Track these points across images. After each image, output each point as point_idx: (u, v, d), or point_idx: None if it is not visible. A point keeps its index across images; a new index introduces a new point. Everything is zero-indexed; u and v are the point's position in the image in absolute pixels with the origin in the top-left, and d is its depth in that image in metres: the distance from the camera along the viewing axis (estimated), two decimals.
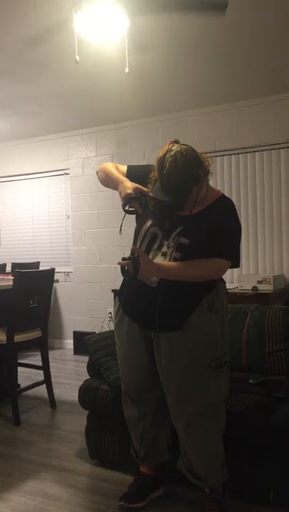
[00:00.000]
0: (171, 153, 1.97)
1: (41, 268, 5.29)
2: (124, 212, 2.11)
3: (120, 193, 2.09)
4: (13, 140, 6.25)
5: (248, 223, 4.85)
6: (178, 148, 1.99)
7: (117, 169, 2.24)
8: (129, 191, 2.05)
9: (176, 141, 2.05)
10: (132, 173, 2.24)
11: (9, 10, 2.93)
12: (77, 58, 2.84)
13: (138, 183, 2.12)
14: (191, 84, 4.38)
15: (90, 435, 2.76)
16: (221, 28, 3.23)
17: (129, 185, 2.07)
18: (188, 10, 2.80)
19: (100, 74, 3.95)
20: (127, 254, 2.16)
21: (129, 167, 2.28)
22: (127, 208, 2.05)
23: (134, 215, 2.16)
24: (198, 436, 2.12)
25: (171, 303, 2.07)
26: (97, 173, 2.32)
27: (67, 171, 6.03)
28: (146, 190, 2.08)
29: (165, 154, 1.99)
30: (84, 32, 2.81)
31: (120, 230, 2.21)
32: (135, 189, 2.05)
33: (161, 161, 1.99)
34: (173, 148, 1.99)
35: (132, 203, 2.05)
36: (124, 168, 2.28)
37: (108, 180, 2.23)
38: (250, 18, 3.12)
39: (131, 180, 2.17)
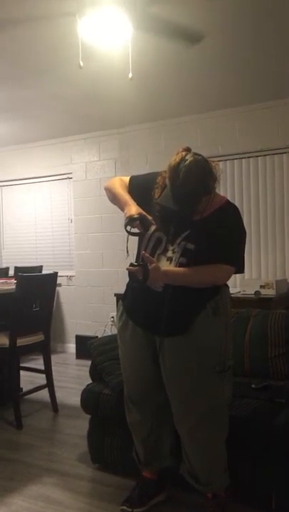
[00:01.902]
0: (186, 163, 1.96)
1: (44, 272, 5.29)
2: (127, 235, 2.10)
3: (125, 215, 2.10)
4: (17, 144, 6.27)
5: (251, 228, 4.85)
6: (192, 159, 1.97)
7: (123, 186, 2.24)
8: (133, 213, 2.06)
9: (188, 149, 2.05)
10: (134, 186, 2.25)
11: (12, 15, 2.95)
12: (81, 63, 2.86)
13: (141, 195, 2.15)
14: (194, 90, 4.39)
15: (92, 439, 2.76)
16: (223, 32, 3.25)
17: (133, 209, 2.08)
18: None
19: (103, 79, 3.96)
20: (130, 259, 2.17)
21: (131, 180, 2.29)
22: (129, 229, 2.06)
23: (137, 237, 2.17)
24: (201, 440, 2.12)
25: (177, 307, 2.08)
26: (105, 189, 2.33)
27: (70, 175, 6.04)
28: (150, 217, 2.08)
29: (179, 164, 1.97)
30: (88, 37, 2.83)
31: (127, 252, 2.19)
32: (139, 214, 2.06)
33: (175, 170, 1.97)
34: (187, 158, 1.98)
35: (133, 223, 2.06)
36: (128, 180, 2.29)
37: (115, 201, 2.25)
38: (253, 22, 3.13)
39: (133, 191, 2.20)
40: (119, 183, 2.26)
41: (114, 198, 2.24)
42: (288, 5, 2.92)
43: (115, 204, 2.25)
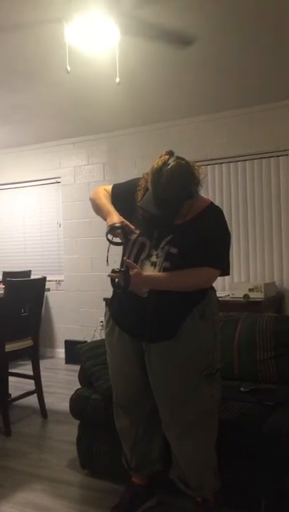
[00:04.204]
0: (168, 167, 1.94)
1: (32, 277, 5.27)
2: (109, 244, 2.09)
3: (107, 224, 2.10)
4: (5, 149, 6.25)
5: (239, 231, 4.88)
6: (174, 164, 1.96)
7: (106, 196, 2.25)
8: (114, 221, 2.06)
9: (171, 153, 2.03)
10: (116, 194, 2.26)
11: (1, 20, 2.95)
12: (69, 68, 2.86)
13: (123, 202, 2.16)
14: (182, 94, 4.41)
15: (81, 445, 2.74)
16: (211, 38, 3.27)
17: (115, 218, 2.08)
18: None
19: (91, 83, 3.97)
20: (118, 264, 2.16)
21: (112, 188, 2.29)
22: (111, 238, 2.05)
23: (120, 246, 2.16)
24: (190, 445, 2.11)
25: (162, 313, 2.07)
26: (90, 200, 2.33)
27: (58, 180, 6.03)
28: (132, 226, 2.08)
29: (161, 168, 1.95)
30: (75, 42, 2.83)
31: (107, 261, 2.18)
32: (121, 223, 2.06)
33: (157, 174, 1.95)
34: (170, 162, 1.96)
35: (115, 232, 2.05)
36: (110, 188, 2.30)
37: (99, 211, 2.25)
38: (240, 27, 3.15)
39: (116, 200, 2.21)
40: (103, 193, 2.26)
41: (97, 208, 2.25)
42: (276, 11, 2.95)
43: (99, 215, 2.25)
